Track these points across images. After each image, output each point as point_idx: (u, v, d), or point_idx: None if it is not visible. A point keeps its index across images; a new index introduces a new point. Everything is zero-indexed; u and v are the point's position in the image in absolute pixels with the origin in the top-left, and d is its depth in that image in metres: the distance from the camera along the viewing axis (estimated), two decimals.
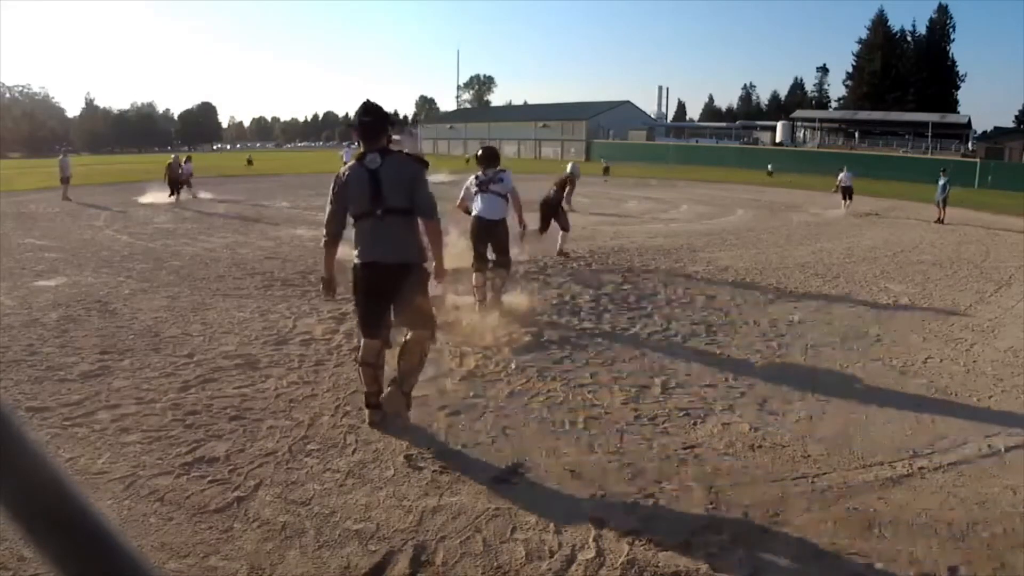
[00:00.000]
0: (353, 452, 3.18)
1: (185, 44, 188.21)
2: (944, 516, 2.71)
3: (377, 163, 3.24)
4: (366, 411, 3.46)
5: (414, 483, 2.90)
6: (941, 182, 14.57)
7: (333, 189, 3.36)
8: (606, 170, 29.86)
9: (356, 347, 3.87)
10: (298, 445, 3.23)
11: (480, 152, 6.14)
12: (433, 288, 3.41)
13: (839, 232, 12.64)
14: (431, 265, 3.50)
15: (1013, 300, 6.96)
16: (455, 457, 3.17)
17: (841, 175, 16.53)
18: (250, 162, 36.33)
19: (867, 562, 2.40)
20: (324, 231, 3.44)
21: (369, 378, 3.43)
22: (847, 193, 16.24)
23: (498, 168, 6.01)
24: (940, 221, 14.20)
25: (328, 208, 3.40)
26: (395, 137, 3.47)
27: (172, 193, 16.43)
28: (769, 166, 36.15)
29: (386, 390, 3.43)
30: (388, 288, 3.27)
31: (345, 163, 3.50)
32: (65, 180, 17.12)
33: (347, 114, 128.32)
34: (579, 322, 5.63)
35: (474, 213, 5.92)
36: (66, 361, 4.37)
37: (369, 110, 3.33)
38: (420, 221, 3.32)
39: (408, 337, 3.41)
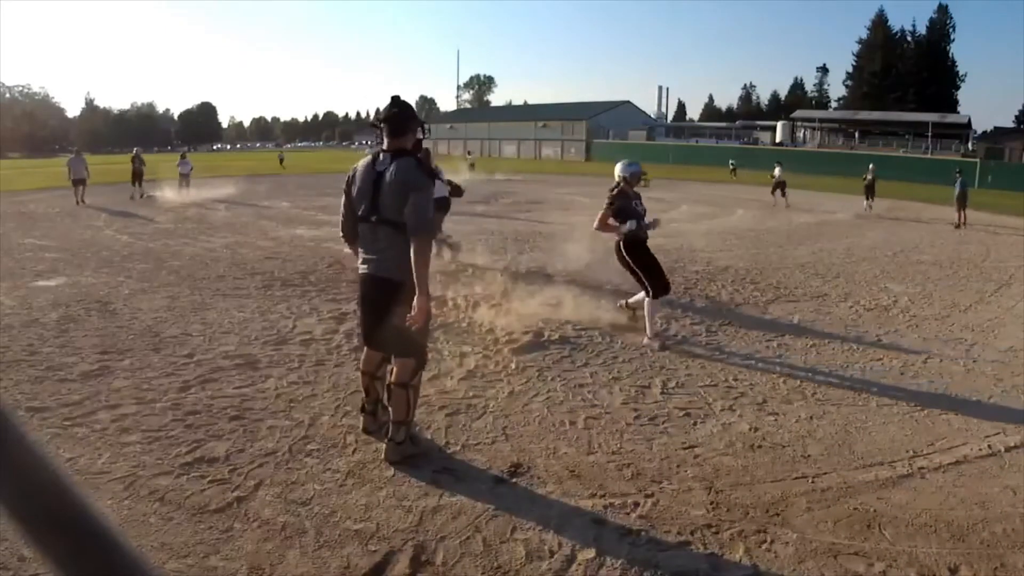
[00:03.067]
0: (353, 452, 3.18)
1: (186, 43, 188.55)
2: (944, 516, 2.71)
3: (385, 165, 2.99)
4: (360, 416, 3.41)
5: (414, 483, 2.90)
6: (958, 184, 14.11)
7: (345, 185, 3.16)
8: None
9: (359, 347, 3.86)
10: (298, 445, 3.23)
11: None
12: (412, 319, 2.89)
13: (839, 232, 12.63)
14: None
15: (1013, 300, 6.95)
16: (455, 457, 3.17)
17: (777, 170, 17.61)
18: (282, 161, 36.75)
19: (867, 562, 2.40)
20: (341, 229, 3.26)
21: (366, 386, 3.34)
22: (780, 187, 17.32)
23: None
24: (959, 225, 13.60)
25: (342, 204, 3.19)
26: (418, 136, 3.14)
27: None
28: (731, 162, 32.18)
29: (385, 441, 3.15)
30: (378, 302, 3.05)
31: None
32: (78, 183, 15.50)
33: (347, 114, 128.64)
34: (579, 322, 5.63)
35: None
36: (66, 361, 4.37)
37: (394, 105, 3.04)
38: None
39: (391, 378, 3.10)
